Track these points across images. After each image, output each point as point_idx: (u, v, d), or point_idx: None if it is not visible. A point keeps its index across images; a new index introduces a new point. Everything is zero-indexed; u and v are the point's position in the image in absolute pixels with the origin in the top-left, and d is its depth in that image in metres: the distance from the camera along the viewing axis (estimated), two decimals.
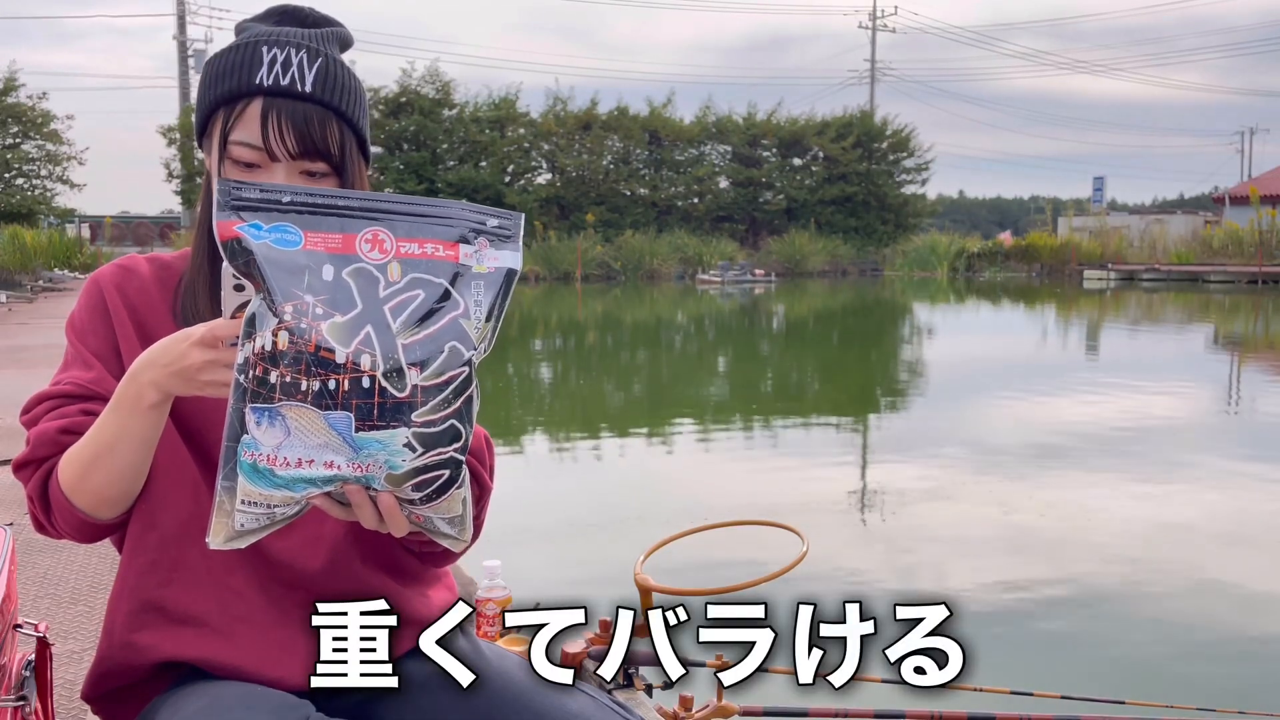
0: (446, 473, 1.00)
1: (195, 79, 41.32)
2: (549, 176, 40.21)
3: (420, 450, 0.97)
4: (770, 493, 6.35)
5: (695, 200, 41.60)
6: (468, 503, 1.04)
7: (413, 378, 0.96)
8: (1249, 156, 72.97)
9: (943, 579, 4.76)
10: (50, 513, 1.22)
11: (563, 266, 34.78)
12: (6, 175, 33.25)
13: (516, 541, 5.11)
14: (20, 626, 1.48)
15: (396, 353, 0.96)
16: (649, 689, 2.15)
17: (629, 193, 40.40)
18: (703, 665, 2.19)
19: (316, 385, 0.94)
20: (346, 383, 0.95)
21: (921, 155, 44.81)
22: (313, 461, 0.96)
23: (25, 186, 33.77)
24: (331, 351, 0.95)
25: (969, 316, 23.68)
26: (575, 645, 2.20)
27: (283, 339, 0.95)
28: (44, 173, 34.16)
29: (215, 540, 1.01)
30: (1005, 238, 48.42)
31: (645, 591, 2.27)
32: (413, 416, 0.96)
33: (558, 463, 7.64)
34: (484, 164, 38.25)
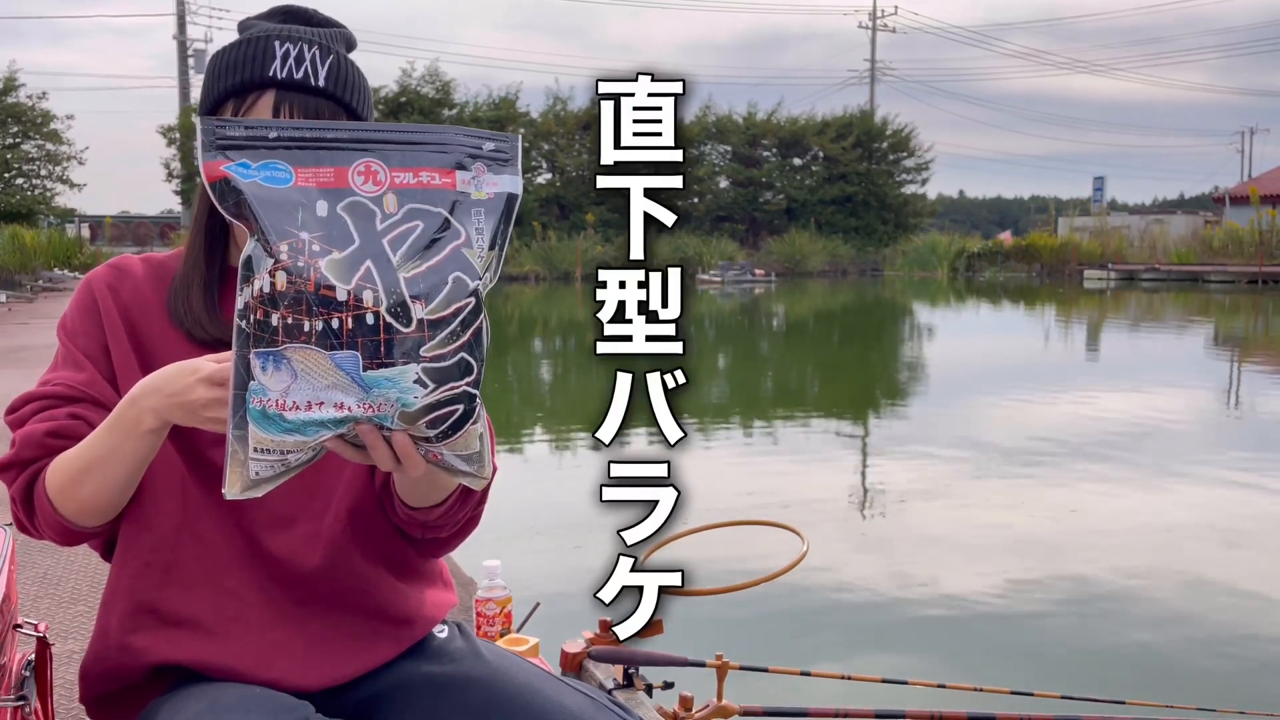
0: (461, 407, 0.96)
1: (195, 79, 41.31)
2: (549, 176, 40.23)
3: (432, 386, 0.94)
4: (770, 493, 6.35)
5: (695, 200, 41.60)
6: (485, 438, 1.00)
7: (418, 311, 0.93)
8: (1249, 156, 72.98)
9: (943, 579, 4.76)
10: (33, 516, 1.20)
11: (563, 266, 34.78)
12: (6, 175, 33.26)
13: (516, 541, 5.11)
14: (20, 626, 1.48)
15: (399, 286, 0.93)
16: (649, 689, 2.15)
17: None
18: (703, 665, 2.19)
19: (320, 325, 0.92)
20: (350, 320, 0.92)
21: (921, 155, 44.89)
22: (322, 404, 0.94)
23: (25, 186, 33.80)
24: (332, 289, 0.92)
25: (969, 317, 23.68)
26: (575, 645, 2.20)
27: (281, 279, 0.92)
28: (44, 172, 34.21)
29: (231, 490, 0.98)
30: (1005, 238, 48.41)
31: None
32: (421, 351, 0.93)
33: (558, 463, 7.64)
34: None
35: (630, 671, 2.14)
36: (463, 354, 0.95)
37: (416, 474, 1.01)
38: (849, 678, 2.48)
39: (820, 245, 40.09)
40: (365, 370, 0.93)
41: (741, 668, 2.21)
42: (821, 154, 42.99)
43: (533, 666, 1.33)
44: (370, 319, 0.92)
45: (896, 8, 74.44)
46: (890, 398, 11.18)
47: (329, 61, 1.23)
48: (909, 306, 26.20)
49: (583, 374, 13.42)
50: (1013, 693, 2.53)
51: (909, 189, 44.72)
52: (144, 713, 1.23)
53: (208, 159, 0.96)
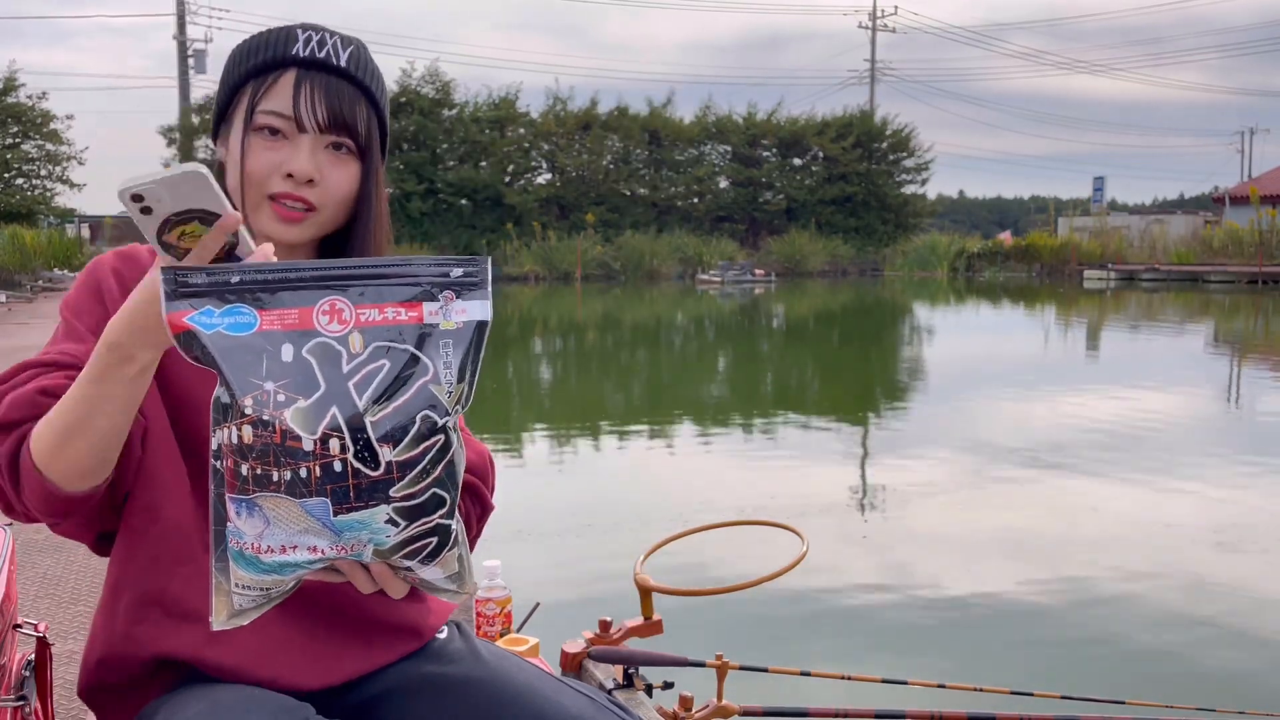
0: (435, 539, 0.96)
1: (195, 79, 41.30)
2: (549, 176, 40.24)
3: (404, 524, 0.94)
4: (770, 493, 6.35)
5: (695, 200, 41.61)
6: (465, 559, 1.00)
7: (386, 454, 0.92)
8: (1249, 156, 73.03)
9: (943, 579, 4.76)
10: (19, 485, 1.14)
11: (563, 266, 34.78)
12: (6, 175, 33.26)
13: (516, 541, 5.11)
14: (20, 626, 1.48)
15: (365, 431, 0.92)
16: (649, 689, 2.15)
17: (629, 193, 40.41)
18: (702, 665, 2.19)
19: (288, 475, 0.92)
20: (318, 469, 0.91)
21: (921, 155, 44.89)
22: (296, 547, 0.94)
23: (25, 186, 33.79)
24: (298, 440, 0.91)
25: (969, 317, 23.68)
26: (575, 645, 2.20)
27: (247, 433, 0.92)
28: (44, 173, 34.19)
29: (218, 620, 0.99)
30: (1005, 238, 48.43)
31: (645, 591, 2.27)
32: (391, 493, 0.93)
33: (557, 463, 7.64)
34: (484, 164, 38.28)
35: (630, 671, 2.14)
36: (435, 490, 0.95)
37: (398, 596, 1.03)
38: (849, 678, 2.48)
39: (820, 245, 40.10)
40: (336, 515, 0.93)
41: (741, 668, 2.21)
42: (821, 154, 42.99)
43: (533, 667, 1.33)
44: (338, 466, 0.91)
45: (896, 8, 74.59)
46: (890, 398, 11.18)
47: (350, 48, 1.25)
48: (909, 306, 26.20)
49: (583, 374, 13.41)
50: (1013, 693, 2.53)
51: (909, 189, 44.76)
52: (143, 712, 1.22)
53: (170, 310, 0.94)
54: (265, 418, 0.92)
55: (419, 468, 0.93)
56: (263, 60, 1.22)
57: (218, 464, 0.94)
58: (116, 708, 1.28)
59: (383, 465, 0.92)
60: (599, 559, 5.02)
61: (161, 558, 1.24)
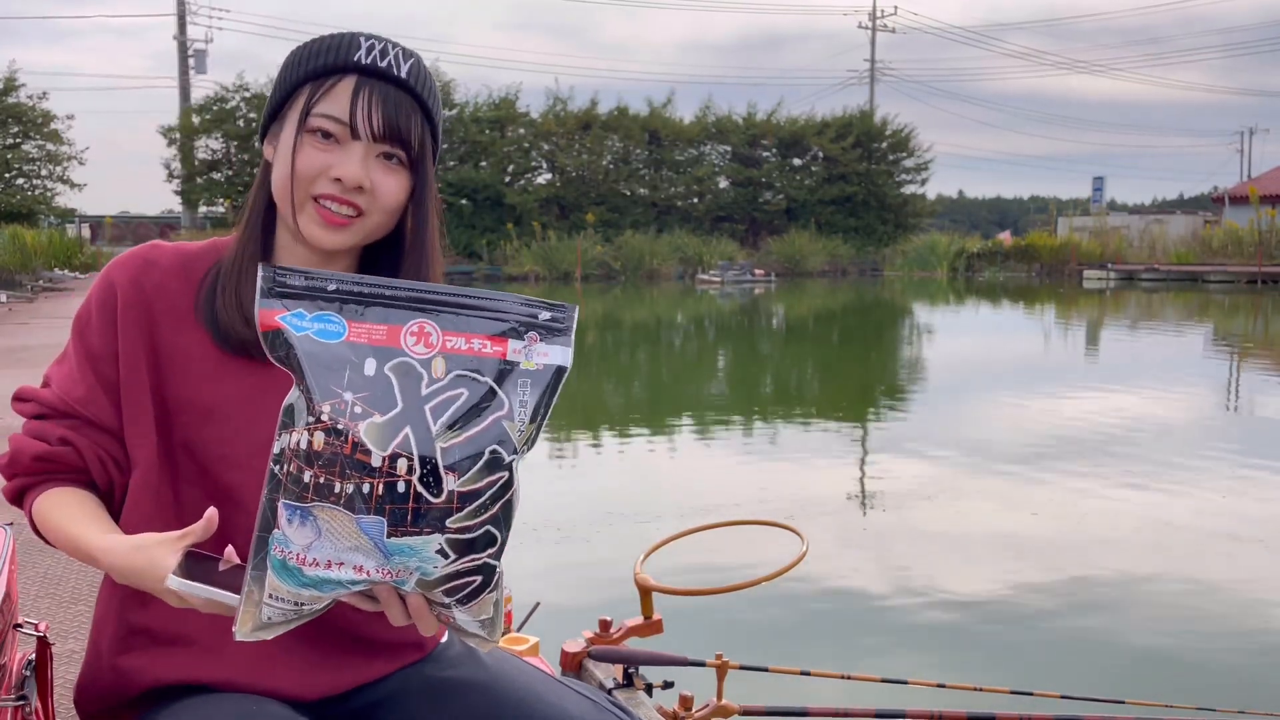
0: (480, 578, 0.96)
1: (195, 79, 41.31)
2: (549, 176, 40.23)
3: (453, 557, 0.94)
4: (770, 493, 6.35)
5: (695, 200, 41.60)
6: (499, 605, 0.99)
7: (450, 483, 0.92)
8: (1249, 156, 73.02)
9: (943, 579, 4.76)
10: (21, 510, 1.26)
11: (563, 266, 34.77)
12: (6, 175, 33.25)
13: (516, 541, 5.09)
14: (20, 626, 1.48)
15: (435, 457, 0.92)
16: (649, 688, 2.15)
17: (629, 193, 40.41)
18: (702, 665, 2.19)
19: (350, 488, 0.92)
20: (381, 487, 0.91)
21: (921, 155, 44.88)
22: (342, 564, 0.94)
23: (25, 186, 33.79)
24: (368, 454, 0.91)
25: (969, 317, 23.67)
26: (575, 645, 2.20)
27: (319, 439, 0.92)
28: (44, 173, 34.18)
29: (241, 631, 0.98)
30: (1005, 238, 48.41)
31: (645, 591, 2.27)
32: (447, 523, 0.93)
33: (558, 463, 7.63)
34: (484, 164, 38.27)
35: (630, 671, 2.14)
36: (489, 527, 0.94)
37: (428, 634, 1.02)
38: (849, 678, 2.48)
39: (820, 245, 40.08)
40: (389, 537, 0.93)
41: (741, 667, 2.21)
42: (821, 154, 42.97)
43: (532, 669, 1.33)
44: (401, 487, 0.92)
45: (896, 8, 74.58)
46: (890, 398, 11.18)
47: (411, 61, 1.24)
48: (909, 306, 26.20)
49: (582, 374, 13.41)
50: (1013, 692, 2.53)
51: (909, 189, 44.74)
52: None
53: (264, 306, 0.96)
54: (340, 427, 0.92)
55: (479, 502, 0.94)
56: (324, 64, 1.21)
57: (277, 469, 0.94)
58: None
59: (445, 493, 0.92)
60: (599, 559, 5.02)
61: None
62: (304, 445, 0.93)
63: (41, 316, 16.13)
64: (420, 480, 0.92)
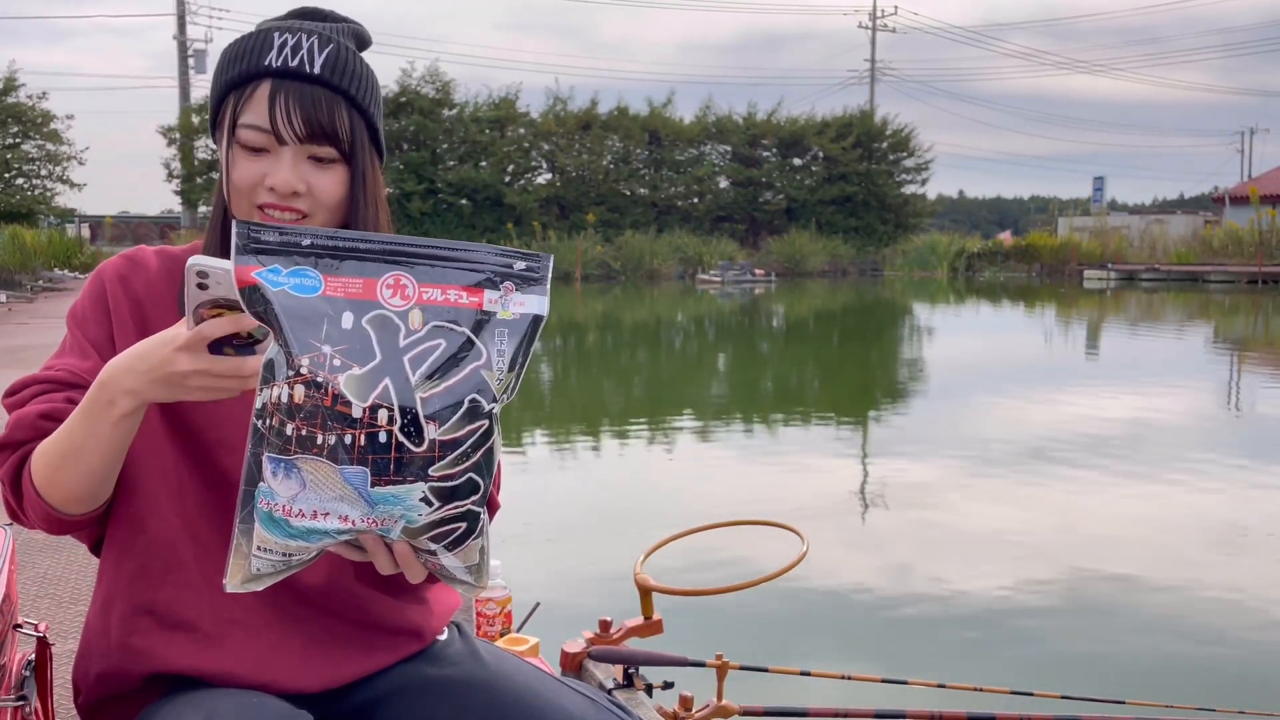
0: (464, 525, 0.98)
1: (195, 79, 41.32)
2: (549, 176, 40.21)
3: (437, 504, 0.96)
4: (770, 493, 6.35)
5: (695, 200, 41.59)
6: (485, 551, 1.01)
7: (431, 432, 0.94)
8: (1249, 156, 73.05)
9: (943, 578, 4.76)
10: (22, 501, 1.18)
11: (563, 266, 34.76)
12: (6, 175, 33.23)
13: (516, 541, 5.11)
14: (20, 626, 1.48)
15: (415, 407, 0.94)
16: (649, 689, 2.15)
17: (629, 193, 40.39)
18: (703, 665, 2.19)
19: (333, 439, 0.93)
20: (363, 438, 0.93)
21: (921, 155, 44.87)
22: (328, 514, 0.95)
23: (25, 186, 33.76)
24: (349, 405, 0.93)
25: (969, 317, 23.67)
26: (575, 645, 2.20)
27: (299, 392, 0.93)
28: (44, 172, 34.16)
29: (232, 582, 0.99)
30: (1005, 238, 48.43)
31: (645, 591, 2.27)
32: (430, 471, 0.94)
33: (558, 463, 7.64)
34: (484, 164, 38.26)
35: (630, 671, 2.14)
36: (471, 474, 0.96)
37: (416, 580, 1.02)
38: (849, 678, 2.48)
39: (820, 245, 40.08)
40: (372, 486, 0.94)
41: (741, 668, 2.21)
42: (821, 154, 42.97)
43: (532, 668, 1.33)
44: (383, 437, 0.93)
45: (896, 8, 74.55)
46: (890, 398, 11.18)
47: (327, 50, 1.21)
48: (909, 306, 26.20)
49: (583, 374, 13.42)
50: (1013, 693, 2.53)
51: (909, 189, 44.73)
52: (139, 718, 1.22)
53: (239, 262, 0.96)
54: (319, 379, 0.93)
55: (460, 450, 0.95)
56: (240, 71, 1.20)
57: (259, 423, 0.95)
58: (113, 718, 1.28)
59: (426, 442, 0.94)
60: (599, 559, 5.02)
61: (149, 568, 1.24)
62: (285, 399, 0.93)
63: (41, 316, 16.13)
64: (401, 430, 0.93)
